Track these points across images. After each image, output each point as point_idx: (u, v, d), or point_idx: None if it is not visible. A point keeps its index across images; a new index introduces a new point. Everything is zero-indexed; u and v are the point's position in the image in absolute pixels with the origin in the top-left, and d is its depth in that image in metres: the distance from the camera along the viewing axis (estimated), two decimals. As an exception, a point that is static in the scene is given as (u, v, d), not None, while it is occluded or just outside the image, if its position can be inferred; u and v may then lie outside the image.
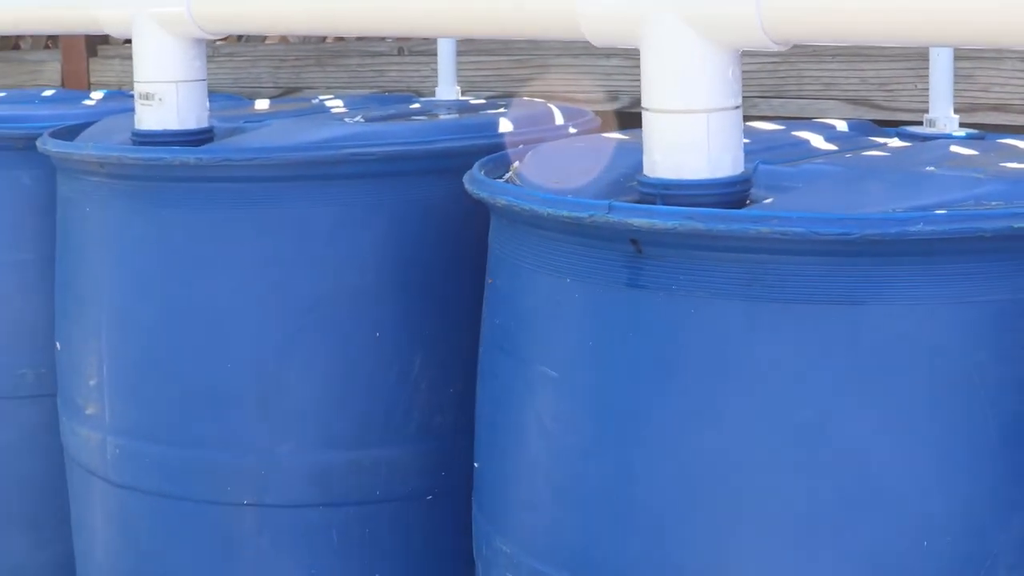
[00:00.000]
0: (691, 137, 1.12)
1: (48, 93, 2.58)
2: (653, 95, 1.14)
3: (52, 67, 3.25)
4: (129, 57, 3.02)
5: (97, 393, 1.64)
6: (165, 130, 1.62)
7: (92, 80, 3.09)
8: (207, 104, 1.65)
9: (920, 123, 1.58)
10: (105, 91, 2.64)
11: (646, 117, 1.15)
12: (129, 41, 3.03)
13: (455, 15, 1.26)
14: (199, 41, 1.62)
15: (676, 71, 1.11)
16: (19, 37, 3.45)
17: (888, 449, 1.03)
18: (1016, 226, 0.99)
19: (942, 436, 1.03)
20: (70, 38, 3.11)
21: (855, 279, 1.02)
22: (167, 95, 1.61)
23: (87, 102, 2.35)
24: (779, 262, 1.03)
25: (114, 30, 1.71)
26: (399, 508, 1.56)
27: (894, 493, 1.03)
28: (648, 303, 1.09)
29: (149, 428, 1.59)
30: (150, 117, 1.62)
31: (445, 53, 2.01)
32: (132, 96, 2.45)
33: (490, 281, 1.30)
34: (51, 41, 3.38)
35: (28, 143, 1.97)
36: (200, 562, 1.59)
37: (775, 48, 1.09)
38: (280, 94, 2.64)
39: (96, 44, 3.11)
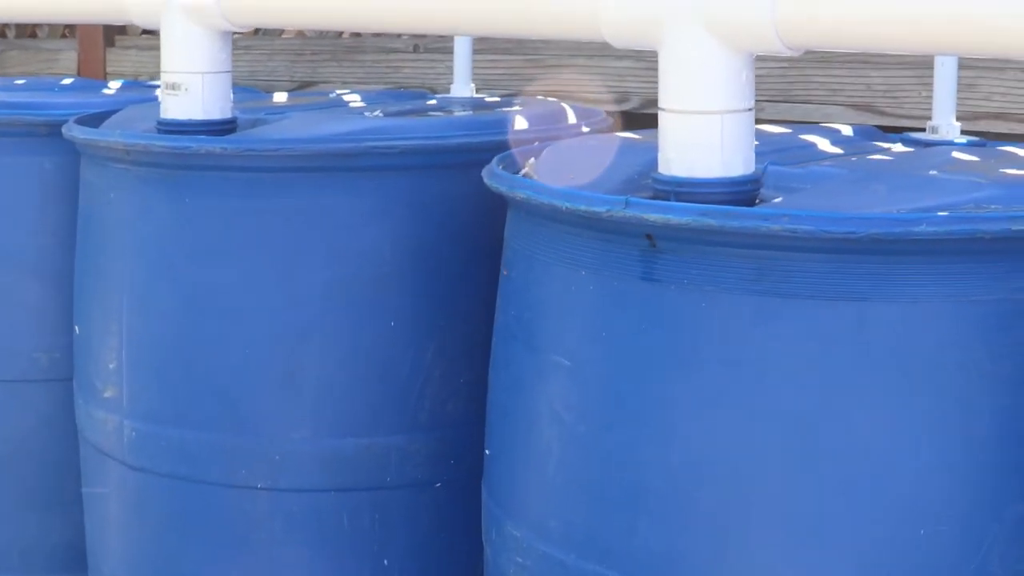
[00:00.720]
0: (705, 137, 1.16)
1: (67, 81, 2.62)
2: (670, 96, 1.18)
3: (68, 56, 3.29)
4: (146, 48, 3.08)
5: (116, 376, 1.68)
6: (190, 119, 1.66)
7: (109, 70, 3.13)
8: (231, 95, 1.69)
9: (923, 130, 1.62)
10: (123, 81, 2.68)
11: (662, 117, 1.19)
12: (148, 32, 3.08)
13: (480, 15, 1.30)
14: (226, 33, 1.66)
15: (692, 73, 1.16)
16: (36, 25, 3.49)
17: (888, 440, 1.07)
18: (1014, 228, 1.04)
19: (940, 429, 1.07)
20: (88, 28, 3.15)
21: (860, 276, 1.06)
22: (193, 85, 1.65)
23: (107, 91, 2.39)
24: (788, 258, 1.07)
25: (142, 20, 1.75)
26: (409, 494, 1.60)
27: (894, 482, 1.07)
28: (660, 296, 1.13)
29: (167, 411, 1.63)
30: (176, 106, 1.66)
31: (461, 51, 2.05)
32: (151, 86, 2.51)
33: (505, 273, 1.34)
34: (68, 30, 3.41)
35: (51, 130, 2.01)
36: (213, 544, 1.63)
37: (788, 53, 1.14)
38: (295, 88, 2.68)
39: (114, 34, 3.15)
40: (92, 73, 3.17)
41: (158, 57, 3.01)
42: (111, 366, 1.68)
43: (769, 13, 1.11)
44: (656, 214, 1.10)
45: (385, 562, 1.59)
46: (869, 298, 1.07)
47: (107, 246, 1.71)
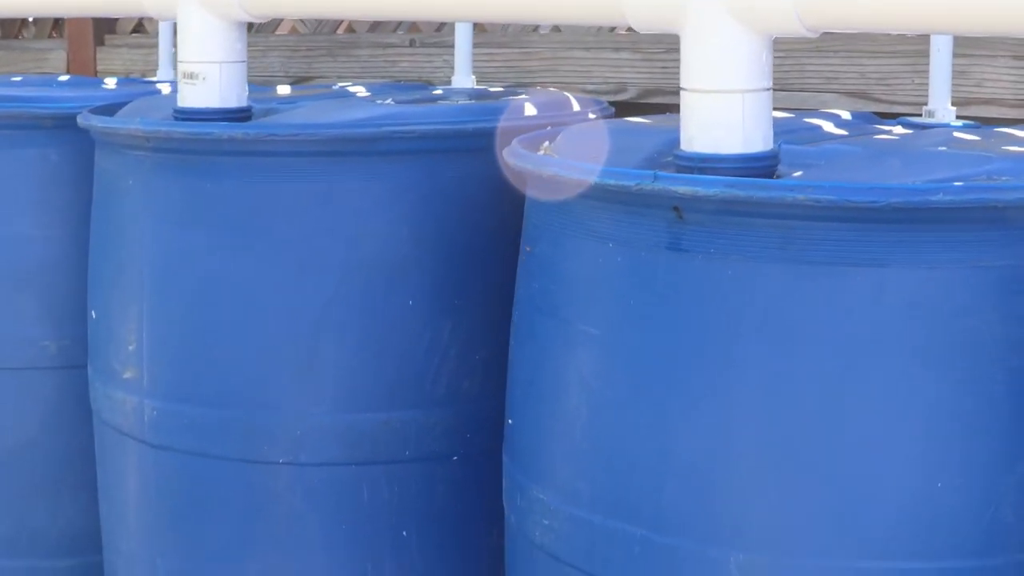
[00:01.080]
0: (727, 115, 1.22)
1: (64, 78, 2.66)
2: (693, 76, 1.23)
3: (57, 56, 3.33)
4: (136, 47, 3.12)
5: (136, 358, 1.72)
6: (207, 107, 1.70)
7: (99, 68, 3.17)
8: (246, 85, 1.74)
9: (919, 115, 1.69)
10: (118, 78, 2.72)
11: (685, 96, 1.25)
12: (137, 31, 3.12)
13: (509, 1, 1.36)
14: (242, 24, 1.70)
15: (715, 55, 1.21)
16: (22, 25, 3.53)
17: (907, 398, 1.13)
18: (1027, 197, 1.10)
19: (956, 388, 1.13)
20: (77, 27, 3.19)
21: (880, 243, 1.12)
22: (210, 74, 1.69)
23: (107, 86, 2.43)
24: (811, 228, 1.13)
25: (157, 12, 1.79)
26: (427, 468, 1.65)
27: (913, 438, 1.13)
28: (687, 265, 1.19)
29: (188, 390, 1.68)
30: (193, 95, 1.71)
31: (462, 43, 2.11)
32: (148, 82, 2.55)
33: (528, 249, 1.39)
34: (55, 30, 3.45)
35: (58, 122, 2.06)
36: (234, 518, 1.67)
37: (808, 35, 1.20)
38: (291, 83, 2.73)
39: (103, 33, 3.19)
40: (82, 72, 3.21)
41: (147, 56, 3.06)
42: (131, 348, 1.73)
43: (790, -5, 1.17)
44: (684, 186, 1.16)
45: (404, 533, 1.64)
46: (889, 264, 1.13)
47: (125, 232, 1.75)
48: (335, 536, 1.64)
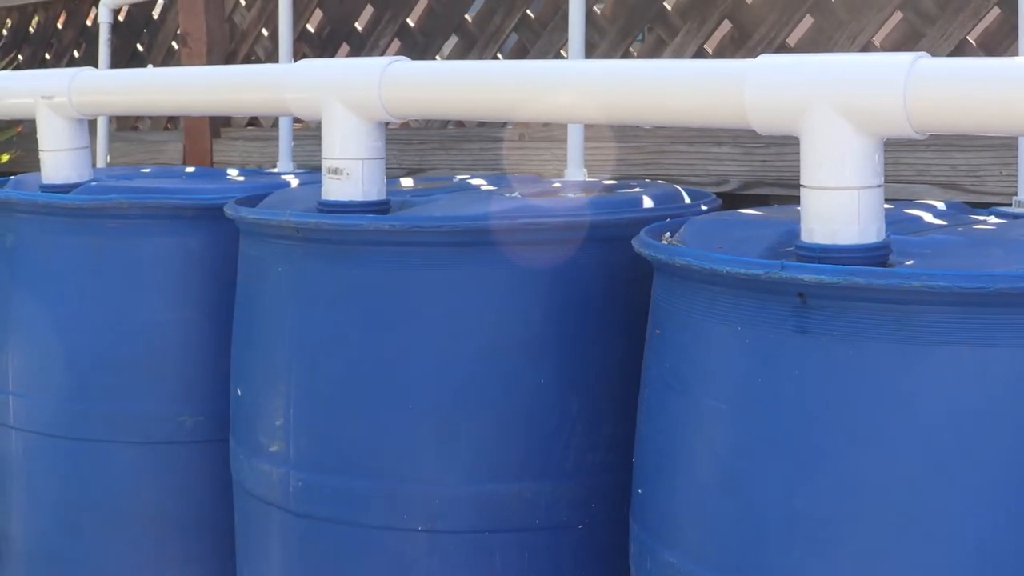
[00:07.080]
0: (844, 210, 1.35)
1: (190, 170, 2.83)
2: (812, 175, 1.37)
3: (174, 147, 3.51)
4: (251, 139, 3.30)
5: (282, 432, 1.86)
6: (351, 200, 1.85)
7: (215, 160, 3.35)
8: (384, 179, 1.89)
9: (1007, 205, 1.81)
10: (240, 169, 2.88)
11: (805, 193, 1.38)
12: (252, 124, 3.29)
13: (639, 106, 1.50)
14: (381, 124, 1.85)
15: (833, 156, 1.35)
16: (139, 117, 3.72)
17: (1012, 465, 1.25)
18: (1118, 281, 1.23)
19: (1058, 456, 1.26)
20: (195, 120, 3.37)
21: (987, 325, 1.24)
22: (353, 170, 1.84)
23: (235, 178, 2.60)
24: (924, 312, 1.26)
25: (301, 112, 1.94)
26: (554, 535, 1.78)
27: (1018, 501, 1.25)
28: (812, 346, 1.31)
29: (333, 462, 1.81)
30: (337, 189, 1.85)
31: (574, 139, 2.25)
32: (273, 173, 2.71)
33: (658, 332, 1.52)
34: (171, 123, 3.64)
35: (198, 212, 2.21)
36: (373, 582, 1.81)
37: (917, 137, 1.33)
38: (405, 174, 2.89)
39: (219, 126, 3.37)
40: (198, 163, 3.39)
41: (262, 147, 3.24)
42: (277, 423, 1.87)
43: (901, 102, 1.30)
44: (809, 275, 1.29)
45: (533, 597, 1.76)
46: (994, 343, 1.25)
47: (273, 314, 1.89)
48: (469, 599, 1.77)
